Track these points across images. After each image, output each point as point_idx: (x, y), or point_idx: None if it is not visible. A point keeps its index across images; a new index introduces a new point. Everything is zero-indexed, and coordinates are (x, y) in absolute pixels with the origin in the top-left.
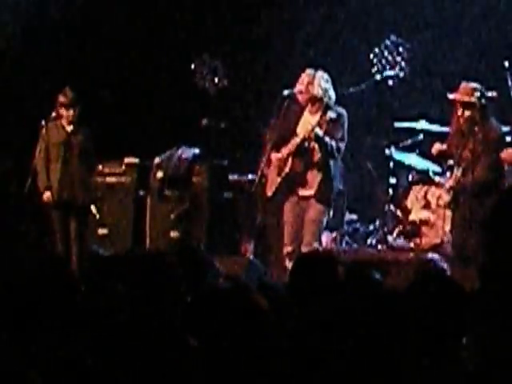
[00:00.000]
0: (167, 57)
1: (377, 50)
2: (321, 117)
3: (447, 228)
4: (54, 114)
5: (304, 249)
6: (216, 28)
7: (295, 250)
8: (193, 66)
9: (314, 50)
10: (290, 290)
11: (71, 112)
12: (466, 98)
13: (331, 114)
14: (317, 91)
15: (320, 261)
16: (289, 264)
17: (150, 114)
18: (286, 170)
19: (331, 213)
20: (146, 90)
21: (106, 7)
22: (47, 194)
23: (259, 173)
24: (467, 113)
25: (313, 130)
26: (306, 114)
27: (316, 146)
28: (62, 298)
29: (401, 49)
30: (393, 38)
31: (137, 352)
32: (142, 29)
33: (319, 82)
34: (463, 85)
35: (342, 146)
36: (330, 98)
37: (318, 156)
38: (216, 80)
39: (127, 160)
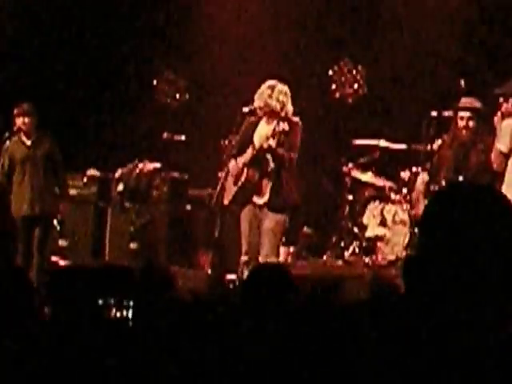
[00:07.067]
0: (129, 72)
1: (336, 67)
2: (274, 128)
3: (402, 244)
4: (11, 132)
5: (262, 260)
6: (178, 44)
7: (252, 259)
8: (155, 82)
9: (274, 66)
10: (243, 300)
11: (27, 121)
12: (478, 106)
13: (284, 126)
14: (275, 105)
15: (274, 273)
16: (245, 274)
17: (111, 128)
18: (242, 179)
19: (287, 220)
20: (107, 103)
21: (67, 22)
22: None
23: (219, 186)
24: (471, 123)
25: (267, 140)
26: (261, 124)
27: (269, 156)
28: (18, 308)
29: (360, 67)
30: (351, 56)
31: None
32: (106, 44)
33: (277, 95)
34: (465, 99)
35: (295, 156)
36: (286, 112)
37: (271, 166)
38: (177, 95)
39: (89, 172)
